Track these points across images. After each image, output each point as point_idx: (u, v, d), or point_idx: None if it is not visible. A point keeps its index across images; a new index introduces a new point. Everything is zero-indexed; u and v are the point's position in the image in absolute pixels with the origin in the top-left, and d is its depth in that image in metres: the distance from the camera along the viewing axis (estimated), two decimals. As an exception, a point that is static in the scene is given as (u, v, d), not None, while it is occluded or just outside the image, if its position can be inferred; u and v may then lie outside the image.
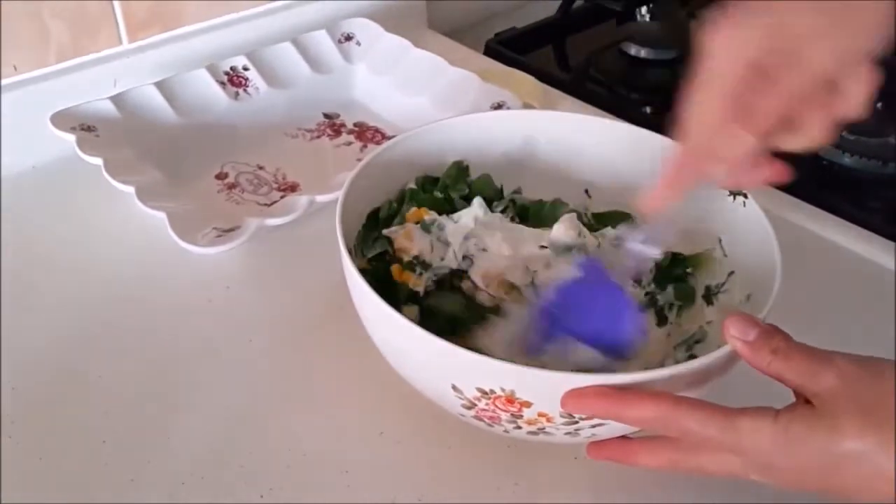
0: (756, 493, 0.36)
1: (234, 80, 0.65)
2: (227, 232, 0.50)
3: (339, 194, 0.42)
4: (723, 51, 0.32)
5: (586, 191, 0.50)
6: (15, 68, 0.60)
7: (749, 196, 0.42)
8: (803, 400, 0.33)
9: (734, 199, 0.43)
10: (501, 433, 0.38)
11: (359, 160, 0.45)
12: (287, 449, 0.42)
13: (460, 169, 0.48)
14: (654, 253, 0.39)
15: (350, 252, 0.39)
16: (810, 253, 0.57)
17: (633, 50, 0.82)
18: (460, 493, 0.41)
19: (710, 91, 0.33)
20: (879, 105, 0.73)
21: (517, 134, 0.49)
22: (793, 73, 0.32)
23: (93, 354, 0.47)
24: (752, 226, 0.41)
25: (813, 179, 0.65)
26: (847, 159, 0.67)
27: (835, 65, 0.32)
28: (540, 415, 0.35)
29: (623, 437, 0.38)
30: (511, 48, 0.82)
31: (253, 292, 0.52)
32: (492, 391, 0.34)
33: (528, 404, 0.34)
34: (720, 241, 0.45)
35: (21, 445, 0.42)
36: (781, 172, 0.36)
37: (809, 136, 0.34)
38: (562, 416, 0.35)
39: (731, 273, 0.43)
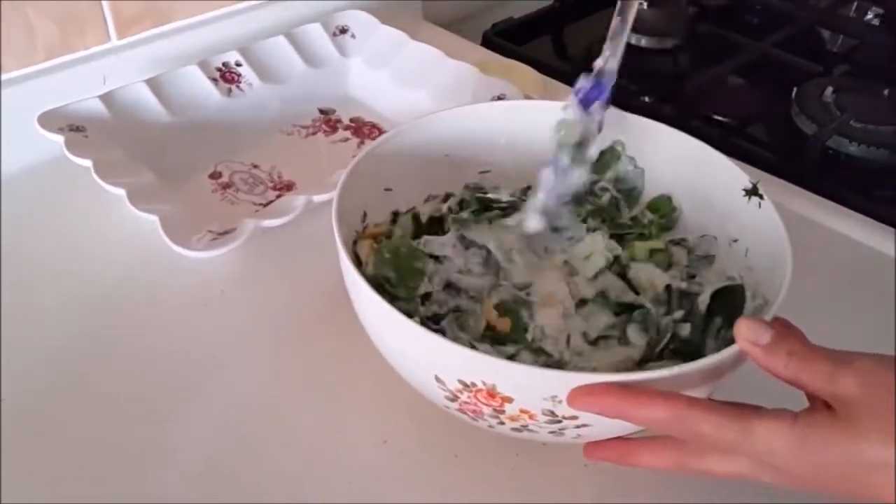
0: (764, 494, 0.35)
1: (226, 77, 0.63)
2: (222, 235, 0.48)
3: (335, 192, 0.40)
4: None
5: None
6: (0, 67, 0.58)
7: (765, 197, 0.41)
8: (822, 403, 0.31)
9: (749, 199, 0.42)
10: (486, 428, 0.37)
11: (355, 157, 0.43)
12: (288, 458, 0.41)
13: None
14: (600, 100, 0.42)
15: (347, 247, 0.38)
16: (816, 244, 0.56)
17: (633, 39, 0.80)
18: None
19: None
20: (887, 92, 0.72)
21: (518, 124, 0.48)
22: None
23: (86, 360, 0.46)
24: (766, 226, 0.40)
25: (819, 169, 0.64)
26: (854, 148, 0.66)
27: None
28: (522, 411, 0.34)
29: (622, 437, 0.37)
30: (509, 39, 0.81)
31: (249, 295, 0.50)
32: (473, 384, 0.34)
33: (509, 399, 0.34)
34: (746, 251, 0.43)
35: (15, 453, 0.41)
36: None
37: None
38: (544, 414, 0.34)
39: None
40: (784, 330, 0.33)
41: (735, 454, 0.33)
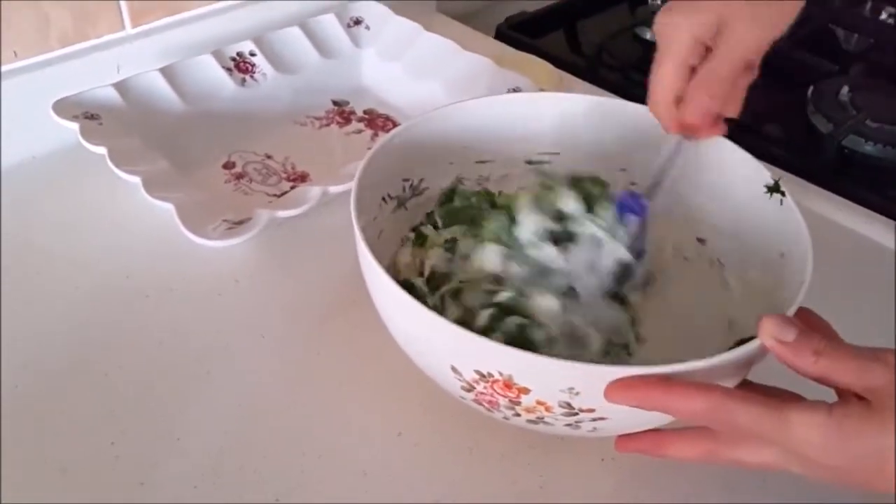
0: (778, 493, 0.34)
1: (240, 66, 0.63)
2: (237, 224, 0.48)
3: (353, 183, 0.40)
4: (674, 30, 0.40)
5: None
6: (15, 54, 0.58)
7: (787, 195, 0.41)
8: (855, 396, 0.31)
9: (771, 195, 0.41)
10: (501, 419, 0.37)
11: (369, 149, 0.43)
12: (301, 450, 0.41)
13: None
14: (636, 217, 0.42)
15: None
16: (831, 242, 0.55)
17: (649, 35, 0.80)
18: (483, 497, 0.39)
19: (668, 61, 0.40)
20: (901, 91, 0.72)
21: (531, 117, 0.48)
22: (727, 48, 0.39)
23: (97, 351, 0.46)
24: (787, 223, 0.40)
25: (835, 168, 0.64)
26: (869, 147, 0.65)
27: (755, 47, 0.39)
28: (538, 403, 0.34)
29: (654, 428, 0.37)
30: (522, 32, 0.81)
31: (263, 286, 0.50)
32: (489, 374, 0.33)
33: (525, 391, 0.33)
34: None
35: (23, 445, 0.41)
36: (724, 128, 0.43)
37: (732, 109, 0.42)
38: (560, 407, 0.34)
39: None
40: (809, 327, 0.33)
41: (768, 444, 0.33)
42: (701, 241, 0.47)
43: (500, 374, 0.33)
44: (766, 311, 0.39)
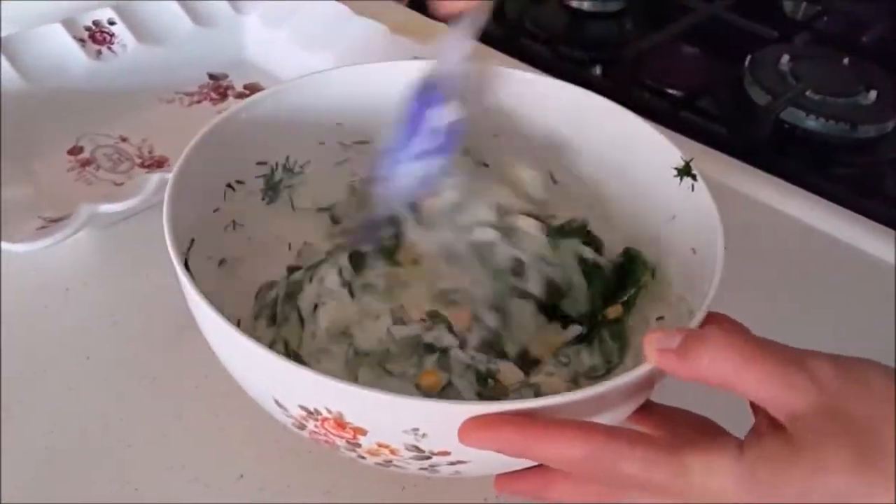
0: None
1: (96, 37, 0.54)
2: (54, 222, 0.40)
3: (174, 168, 0.32)
4: None
5: None
6: None
7: (699, 179, 0.34)
8: (768, 422, 0.25)
9: (682, 180, 0.35)
10: (349, 460, 0.30)
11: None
12: (120, 499, 0.34)
13: None
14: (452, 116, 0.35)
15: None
16: (766, 228, 0.50)
17: (575, 2, 0.72)
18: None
19: None
20: (846, 61, 0.66)
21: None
22: None
23: None
24: (699, 213, 0.33)
25: (772, 145, 0.58)
26: (811, 122, 0.59)
27: None
28: (381, 445, 0.27)
29: (538, 466, 0.30)
30: (438, -1, 0.73)
31: (97, 297, 0.42)
32: (317, 411, 0.26)
33: (362, 431, 0.26)
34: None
35: None
36: None
37: None
38: (408, 450, 0.27)
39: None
40: (705, 331, 0.26)
41: (664, 495, 0.26)
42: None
43: (329, 410, 0.26)
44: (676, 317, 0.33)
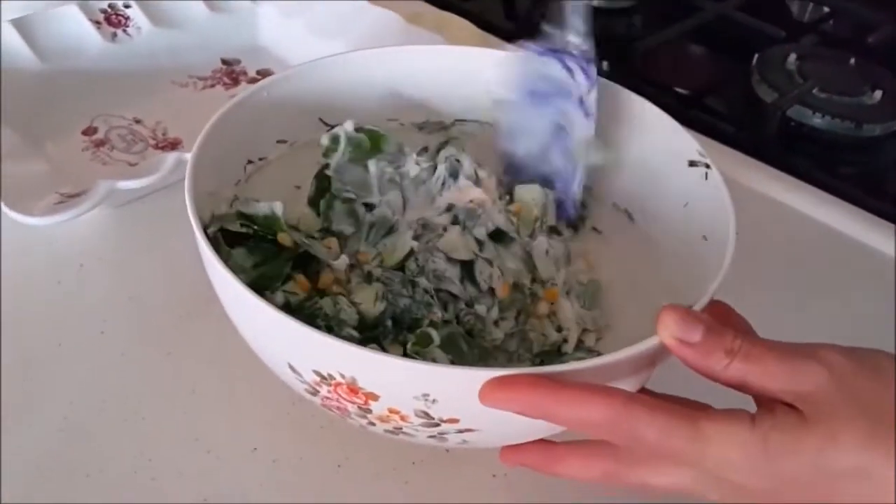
0: None
1: (111, 20, 0.55)
2: (72, 198, 0.40)
3: (197, 140, 0.33)
4: None
5: None
6: None
7: (712, 167, 0.34)
8: (781, 403, 0.26)
9: (695, 169, 0.35)
10: (359, 428, 0.30)
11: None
12: (134, 468, 0.34)
13: None
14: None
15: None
16: (774, 223, 0.51)
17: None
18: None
19: None
20: (853, 61, 0.66)
21: (416, 72, 0.41)
22: None
23: None
24: (712, 201, 0.34)
25: (780, 141, 0.58)
26: (817, 120, 0.60)
27: None
28: (391, 411, 0.27)
29: (545, 440, 0.31)
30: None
31: (112, 272, 0.42)
32: (330, 376, 0.27)
33: (374, 397, 0.27)
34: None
35: None
36: None
37: None
38: (417, 416, 0.27)
39: None
40: (719, 323, 0.26)
41: (678, 464, 0.27)
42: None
43: (342, 375, 0.27)
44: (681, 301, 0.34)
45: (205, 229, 0.31)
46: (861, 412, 0.24)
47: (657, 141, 0.37)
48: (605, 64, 0.70)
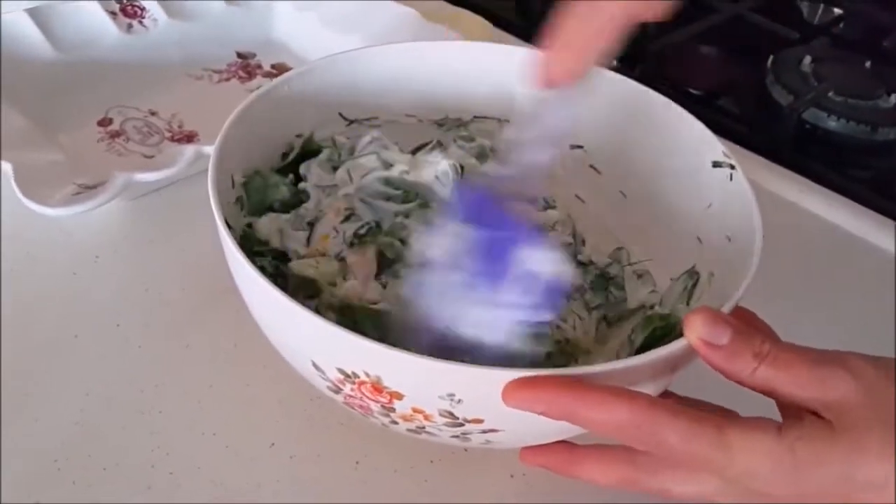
0: None
1: (127, 11, 0.54)
2: (89, 189, 0.40)
3: (220, 134, 0.33)
4: None
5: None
6: None
7: (737, 168, 0.34)
8: (807, 412, 0.26)
9: (719, 170, 0.35)
10: (380, 427, 0.30)
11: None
12: (151, 462, 0.34)
13: None
14: (545, 156, 0.32)
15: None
16: (789, 225, 0.50)
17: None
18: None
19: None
20: (868, 64, 0.66)
21: (436, 68, 0.41)
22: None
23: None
24: (736, 202, 0.34)
25: (795, 143, 0.58)
26: (833, 123, 0.60)
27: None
28: (415, 410, 0.27)
29: (566, 442, 0.31)
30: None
31: (128, 264, 0.42)
32: (355, 374, 0.27)
33: (398, 396, 0.27)
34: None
35: None
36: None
37: None
38: (441, 416, 0.27)
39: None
40: (748, 327, 0.26)
41: (699, 471, 0.27)
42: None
43: (367, 374, 0.27)
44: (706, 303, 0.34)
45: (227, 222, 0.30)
46: (889, 422, 0.24)
47: (681, 141, 0.37)
48: (619, 65, 0.70)
